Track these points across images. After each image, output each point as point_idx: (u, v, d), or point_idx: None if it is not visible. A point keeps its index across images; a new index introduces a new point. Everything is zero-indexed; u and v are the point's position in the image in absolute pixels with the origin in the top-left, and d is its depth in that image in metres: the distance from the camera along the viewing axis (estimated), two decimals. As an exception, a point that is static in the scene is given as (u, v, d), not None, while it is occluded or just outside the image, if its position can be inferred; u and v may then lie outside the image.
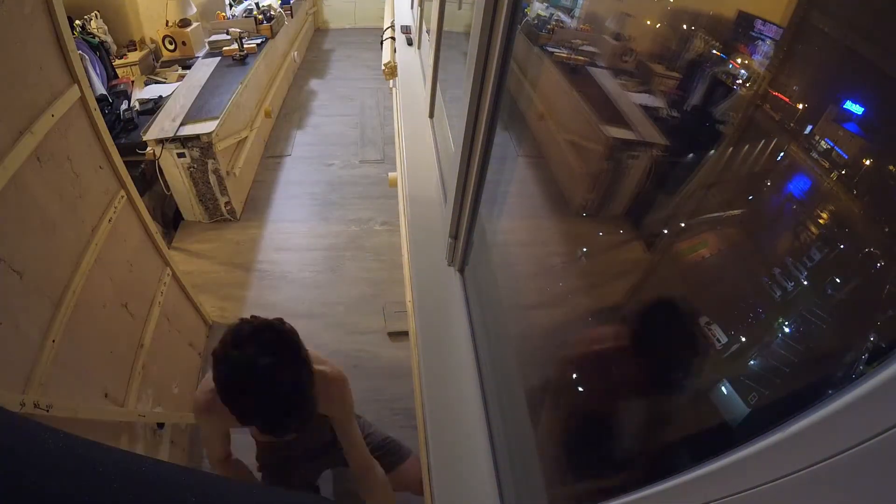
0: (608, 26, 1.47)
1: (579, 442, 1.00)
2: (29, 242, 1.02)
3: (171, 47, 3.21)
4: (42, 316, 1.03)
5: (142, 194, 1.94)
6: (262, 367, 0.77)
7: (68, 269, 1.14)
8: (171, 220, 2.69)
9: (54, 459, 0.24)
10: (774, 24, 0.67)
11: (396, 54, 2.54)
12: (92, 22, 2.86)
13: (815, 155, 0.59)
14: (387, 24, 3.06)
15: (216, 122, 2.38)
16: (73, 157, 1.20)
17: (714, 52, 0.82)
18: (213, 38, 3.22)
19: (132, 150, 2.32)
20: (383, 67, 2.52)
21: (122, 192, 1.44)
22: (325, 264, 2.54)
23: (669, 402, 0.78)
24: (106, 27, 2.95)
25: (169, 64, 3.17)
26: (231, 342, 0.80)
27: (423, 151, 1.66)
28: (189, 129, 2.33)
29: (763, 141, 0.70)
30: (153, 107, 2.57)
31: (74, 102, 1.20)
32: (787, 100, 0.67)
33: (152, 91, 2.76)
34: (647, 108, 1.08)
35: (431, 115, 1.82)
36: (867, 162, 0.54)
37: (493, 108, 0.82)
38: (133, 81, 2.78)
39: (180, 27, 3.19)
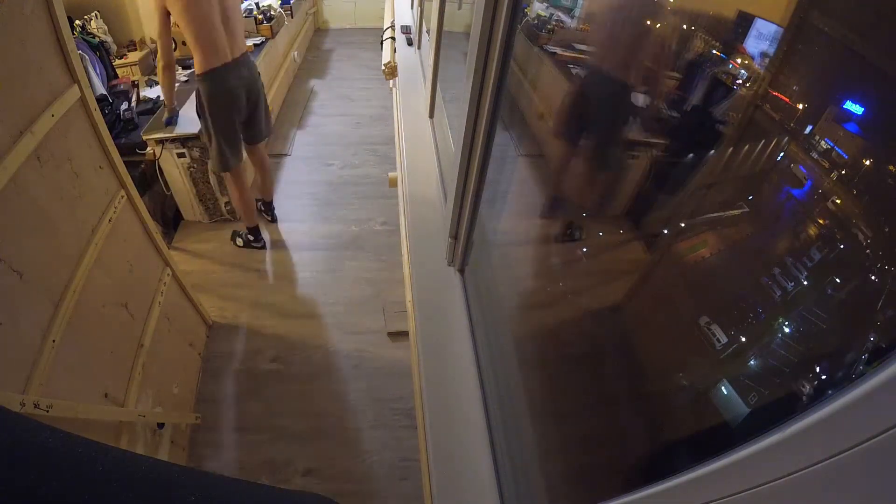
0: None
1: (579, 442, 1.00)
2: (29, 242, 1.02)
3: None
4: (42, 316, 1.03)
5: (142, 194, 1.94)
6: None
7: (68, 269, 1.14)
8: (171, 220, 2.69)
9: (54, 459, 0.24)
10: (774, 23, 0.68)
11: (396, 54, 2.54)
12: (92, 22, 2.86)
13: (815, 155, 0.59)
14: (387, 24, 3.06)
15: (216, 122, 2.38)
16: (73, 157, 1.20)
17: (714, 52, 0.83)
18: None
19: (132, 150, 2.32)
20: (383, 67, 2.52)
21: (122, 192, 1.44)
22: (325, 264, 2.54)
23: (669, 400, 0.78)
24: (106, 27, 2.95)
25: (169, 64, 3.16)
26: None
27: (423, 151, 1.66)
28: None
29: (763, 141, 0.70)
30: (153, 107, 2.57)
31: (74, 102, 1.20)
32: (787, 100, 0.67)
33: (152, 91, 2.76)
34: (647, 108, 1.08)
35: (431, 115, 1.82)
36: (867, 162, 0.54)
37: (493, 108, 0.82)
38: (136, 82, 2.78)
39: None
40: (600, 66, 1.31)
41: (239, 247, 2.59)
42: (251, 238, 2.57)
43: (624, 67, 1.12)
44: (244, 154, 2.28)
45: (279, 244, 2.66)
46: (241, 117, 2.15)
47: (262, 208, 2.77)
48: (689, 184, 0.88)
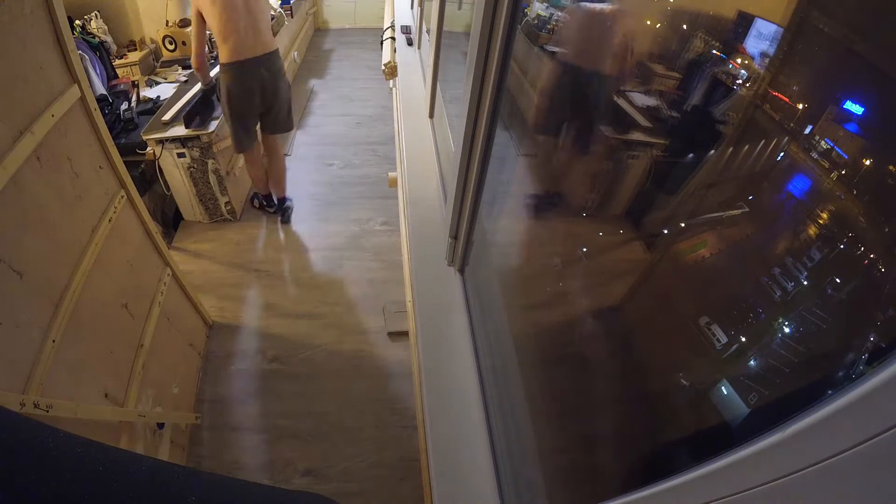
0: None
1: (579, 442, 1.00)
2: (29, 243, 1.02)
3: (171, 47, 3.21)
4: (42, 316, 1.03)
5: (142, 194, 1.94)
6: None
7: (68, 269, 1.14)
8: (171, 220, 2.69)
9: (54, 459, 0.24)
10: (774, 23, 0.68)
11: (396, 54, 2.54)
12: (92, 22, 2.86)
13: (815, 155, 0.59)
14: (387, 24, 3.06)
15: (216, 122, 2.39)
16: (73, 157, 1.20)
17: (714, 52, 0.83)
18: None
19: (132, 150, 2.32)
20: (383, 67, 2.52)
21: (122, 192, 1.44)
22: (324, 264, 2.54)
23: (669, 400, 0.78)
24: (106, 27, 2.95)
25: (169, 64, 3.17)
26: None
27: (423, 151, 1.66)
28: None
29: (763, 141, 0.70)
30: (153, 107, 2.57)
31: (74, 102, 1.20)
32: (786, 100, 0.67)
33: (152, 91, 2.77)
34: (647, 108, 1.08)
35: (431, 115, 1.82)
36: (867, 162, 0.54)
37: (493, 108, 0.82)
38: (136, 82, 2.78)
39: (180, 27, 3.19)
40: (574, 59, 1.38)
41: (255, 208, 2.85)
42: (264, 203, 2.80)
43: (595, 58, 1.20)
44: (258, 137, 2.47)
45: (280, 244, 2.66)
46: (257, 110, 2.30)
47: (263, 203, 2.80)
48: (688, 184, 0.88)
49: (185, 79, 2.90)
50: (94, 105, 1.28)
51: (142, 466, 0.28)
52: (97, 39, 2.80)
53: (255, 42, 2.08)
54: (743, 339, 0.64)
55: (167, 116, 2.36)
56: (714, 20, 0.88)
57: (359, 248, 2.64)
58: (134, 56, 3.07)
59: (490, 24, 0.74)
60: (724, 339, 0.65)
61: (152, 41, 3.29)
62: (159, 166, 2.38)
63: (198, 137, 2.32)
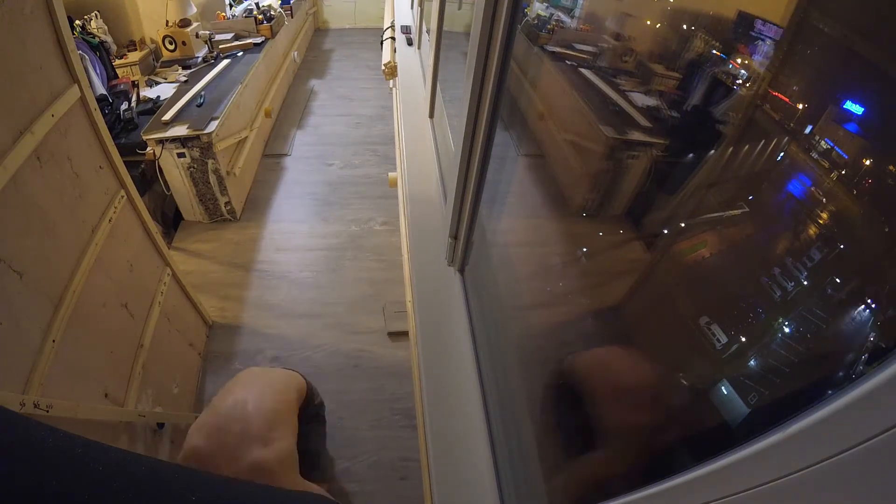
0: (608, 26, 1.47)
1: (578, 442, 1.00)
2: (29, 242, 1.02)
3: (171, 47, 3.21)
4: (42, 316, 1.03)
5: (142, 194, 1.95)
6: None
7: (68, 269, 1.14)
8: (171, 220, 2.69)
9: (53, 459, 0.24)
10: (774, 24, 0.68)
11: (396, 54, 2.54)
12: (92, 22, 2.86)
13: (815, 155, 0.59)
14: (387, 24, 3.06)
15: (216, 122, 2.39)
16: (73, 157, 1.20)
17: (714, 52, 0.83)
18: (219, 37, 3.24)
19: (132, 150, 2.33)
20: (383, 67, 2.52)
21: (122, 192, 1.44)
22: (325, 264, 2.54)
23: (669, 399, 0.78)
24: (106, 27, 2.95)
25: (169, 64, 3.17)
26: None
27: (423, 151, 1.66)
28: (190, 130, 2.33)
29: (763, 141, 0.70)
30: (153, 107, 2.57)
31: (74, 102, 1.20)
32: (786, 100, 0.67)
33: (152, 91, 2.77)
34: (647, 108, 1.08)
35: (431, 115, 1.82)
36: (867, 162, 0.54)
37: (493, 108, 0.82)
38: (136, 82, 2.78)
39: (180, 27, 3.20)
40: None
41: None
42: None
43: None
44: None
45: (279, 244, 2.66)
46: None
47: None
48: (688, 184, 0.88)
49: (185, 79, 2.90)
50: (94, 105, 1.28)
51: (142, 466, 0.28)
52: (97, 39, 2.80)
53: None
54: (743, 339, 0.63)
55: (167, 116, 2.36)
56: (714, 20, 0.88)
57: (359, 248, 2.64)
58: (134, 56, 3.08)
59: (490, 24, 0.74)
60: (724, 339, 0.65)
61: (152, 41, 3.29)
62: (159, 166, 2.38)
63: (198, 137, 2.32)
